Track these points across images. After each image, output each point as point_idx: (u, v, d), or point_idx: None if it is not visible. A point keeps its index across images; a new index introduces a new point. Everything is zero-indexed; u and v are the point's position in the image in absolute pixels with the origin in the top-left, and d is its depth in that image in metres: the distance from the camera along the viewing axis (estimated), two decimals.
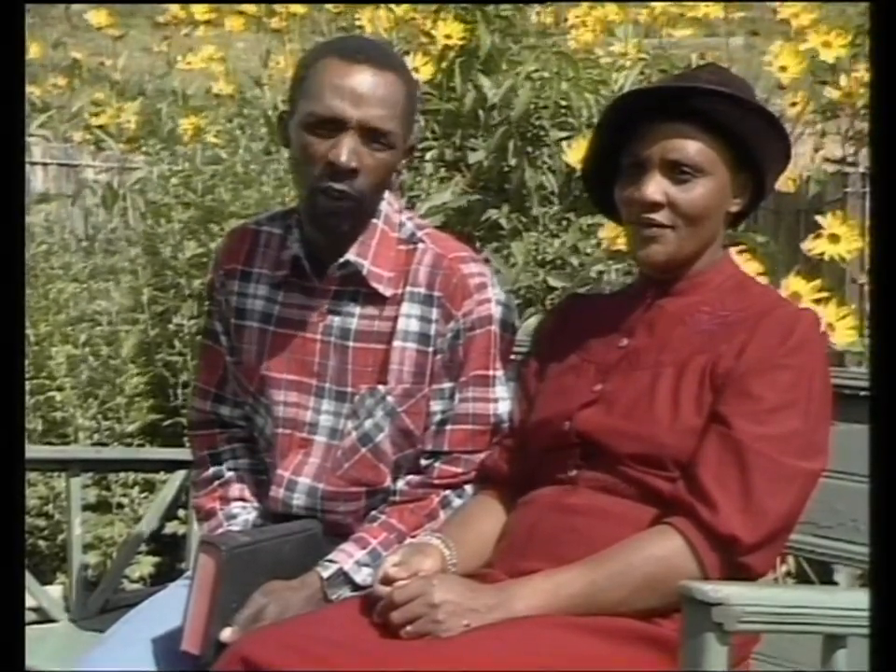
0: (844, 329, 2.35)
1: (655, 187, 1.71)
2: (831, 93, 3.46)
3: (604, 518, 1.65)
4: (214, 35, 4.84)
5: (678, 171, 1.71)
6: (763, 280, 2.26)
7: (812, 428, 1.64)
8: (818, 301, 2.36)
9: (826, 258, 2.59)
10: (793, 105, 3.49)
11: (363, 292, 1.89)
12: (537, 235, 3.21)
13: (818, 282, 2.39)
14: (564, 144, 3.24)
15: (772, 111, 1.79)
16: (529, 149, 3.33)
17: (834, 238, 2.59)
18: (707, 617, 1.30)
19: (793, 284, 2.37)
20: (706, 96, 1.70)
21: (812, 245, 2.60)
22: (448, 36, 3.37)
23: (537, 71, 3.41)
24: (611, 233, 2.70)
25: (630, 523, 1.63)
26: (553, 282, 3.07)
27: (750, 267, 2.34)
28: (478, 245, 3.19)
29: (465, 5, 3.49)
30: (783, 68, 3.13)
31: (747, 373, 1.63)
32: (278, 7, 4.54)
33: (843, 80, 3.40)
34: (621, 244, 2.63)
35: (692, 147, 1.70)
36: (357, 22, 3.76)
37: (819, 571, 2.40)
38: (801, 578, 2.47)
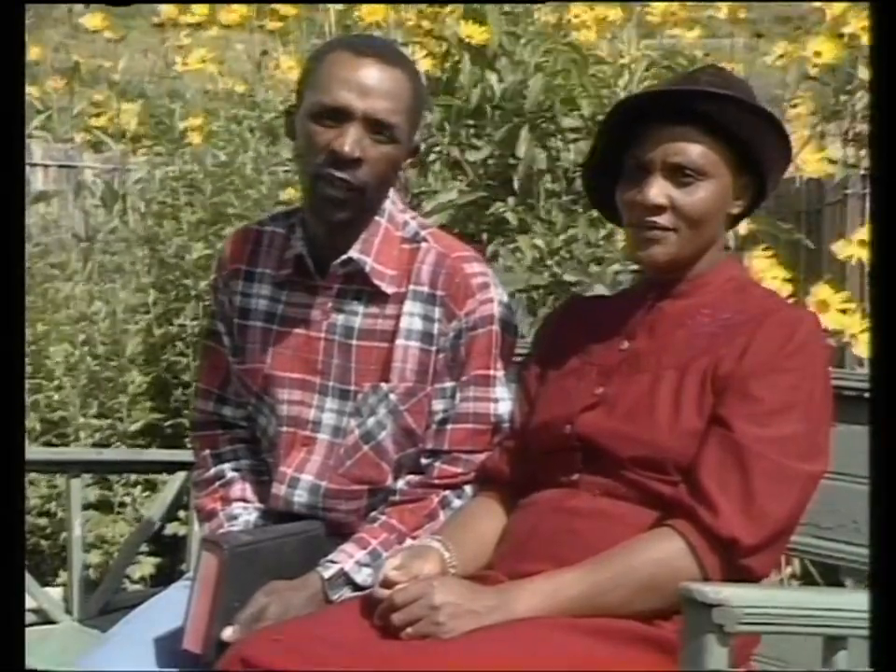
0: (867, 342, 2.37)
1: (658, 190, 1.71)
2: (863, 73, 3.43)
3: (605, 521, 1.65)
4: (211, 37, 4.83)
5: (680, 174, 1.71)
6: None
7: (813, 430, 1.64)
8: (843, 312, 2.38)
9: (854, 262, 2.62)
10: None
11: (366, 290, 1.89)
12: (544, 230, 3.20)
13: (846, 293, 2.41)
14: (570, 139, 3.25)
15: (773, 112, 1.79)
16: (539, 141, 3.32)
17: (864, 244, 2.61)
18: (707, 618, 1.31)
19: (822, 292, 2.38)
20: (707, 99, 1.70)
21: (841, 249, 2.62)
22: (469, 36, 3.37)
23: (546, 62, 3.40)
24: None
25: (631, 525, 1.63)
26: (568, 276, 3.06)
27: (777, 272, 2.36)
28: (485, 240, 3.18)
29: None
30: (818, 54, 3.10)
31: (748, 376, 1.63)
32: (269, 7, 4.53)
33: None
34: None
35: (694, 151, 1.71)
36: (359, 21, 3.75)
37: (824, 573, 2.40)
38: (807, 580, 2.48)
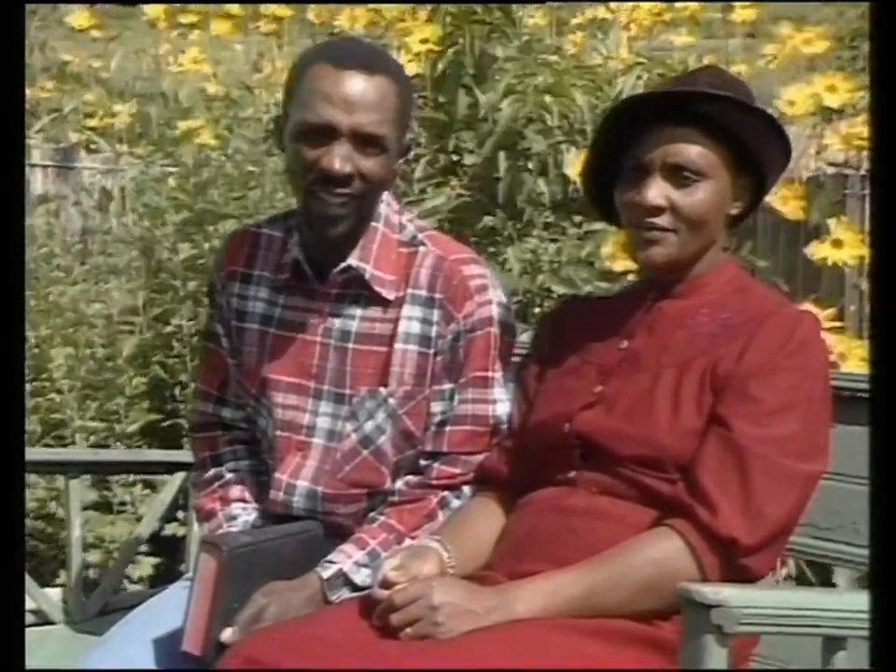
0: (855, 360, 2.36)
1: (657, 191, 1.71)
2: (831, 138, 3.47)
3: (603, 519, 1.65)
4: (206, 38, 4.82)
5: (679, 175, 1.71)
6: None
7: (812, 430, 1.64)
8: (829, 330, 2.37)
9: (829, 263, 2.60)
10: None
11: (365, 295, 1.88)
12: (533, 241, 3.20)
13: (831, 311, 2.40)
14: (562, 153, 3.24)
15: (771, 113, 1.79)
16: (519, 160, 3.31)
17: (838, 243, 2.59)
18: (706, 619, 1.31)
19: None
20: (706, 100, 1.70)
21: (815, 251, 2.61)
22: (424, 41, 3.31)
23: (522, 82, 3.38)
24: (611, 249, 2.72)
25: (629, 524, 1.63)
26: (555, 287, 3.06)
27: None
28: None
29: (451, 8, 3.47)
30: (791, 103, 3.15)
31: (747, 376, 1.63)
32: (264, 10, 4.51)
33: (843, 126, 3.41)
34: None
35: (693, 151, 1.71)
36: (336, 22, 3.74)
37: (818, 573, 2.40)
38: (801, 580, 2.47)
